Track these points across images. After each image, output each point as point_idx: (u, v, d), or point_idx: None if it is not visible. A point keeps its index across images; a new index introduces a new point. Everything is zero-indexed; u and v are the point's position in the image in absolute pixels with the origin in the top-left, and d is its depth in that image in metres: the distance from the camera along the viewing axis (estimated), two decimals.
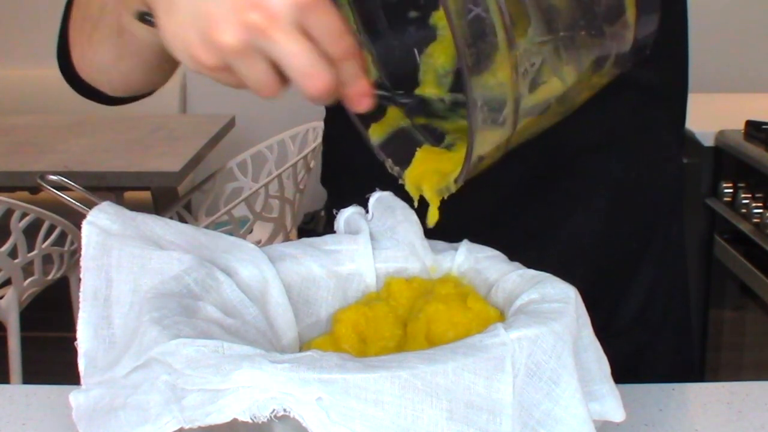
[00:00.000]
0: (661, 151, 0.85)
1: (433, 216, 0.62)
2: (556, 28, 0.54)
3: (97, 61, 0.75)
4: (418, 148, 0.64)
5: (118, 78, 0.76)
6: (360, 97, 0.55)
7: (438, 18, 0.65)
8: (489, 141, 0.53)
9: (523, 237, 0.80)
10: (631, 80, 0.78)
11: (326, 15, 0.51)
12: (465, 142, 0.58)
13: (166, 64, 0.74)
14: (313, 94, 0.52)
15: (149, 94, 0.82)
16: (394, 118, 0.65)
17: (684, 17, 0.85)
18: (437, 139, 0.65)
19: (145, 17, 0.59)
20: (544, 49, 0.53)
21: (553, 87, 0.56)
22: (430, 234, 0.65)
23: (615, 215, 0.82)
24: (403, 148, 0.64)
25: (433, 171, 0.61)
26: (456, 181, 0.57)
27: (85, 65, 0.77)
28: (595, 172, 0.81)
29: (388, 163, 0.63)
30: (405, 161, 0.63)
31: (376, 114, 0.65)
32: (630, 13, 0.58)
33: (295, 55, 0.50)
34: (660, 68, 0.82)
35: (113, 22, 0.67)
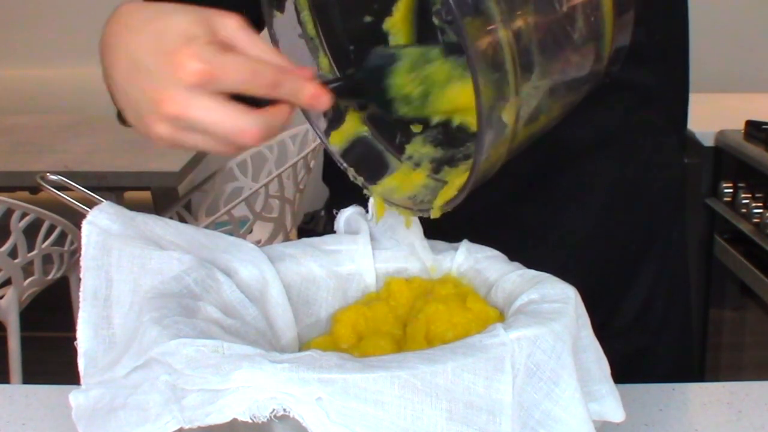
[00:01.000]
0: (659, 154, 0.85)
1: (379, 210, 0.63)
2: (551, 72, 0.56)
3: None
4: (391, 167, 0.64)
5: None
6: (314, 99, 0.56)
7: (391, 24, 0.66)
8: (483, 173, 0.55)
9: (521, 235, 0.80)
10: (626, 81, 0.78)
11: (230, 69, 0.53)
12: (428, 161, 0.61)
13: None
14: (250, 144, 0.55)
15: None
16: (353, 125, 0.66)
17: (684, 24, 0.85)
18: (396, 148, 0.66)
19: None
20: (540, 90, 0.55)
21: (538, 119, 0.57)
22: (430, 234, 0.65)
23: (611, 215, 0.82)
24: (364, 156, 0.65)
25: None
26: (443, 207, 0.58)
27: None
28: (591, 171, 0.81)
29: (351, 172, 0.64)
30: (368, 170, 0.63)
31: (334, 122, 0.65)
32: (606, 46, 0.60)
33: (214, 124, 0.53)
34: (657, 71, 0.82)
35: None
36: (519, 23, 0.52)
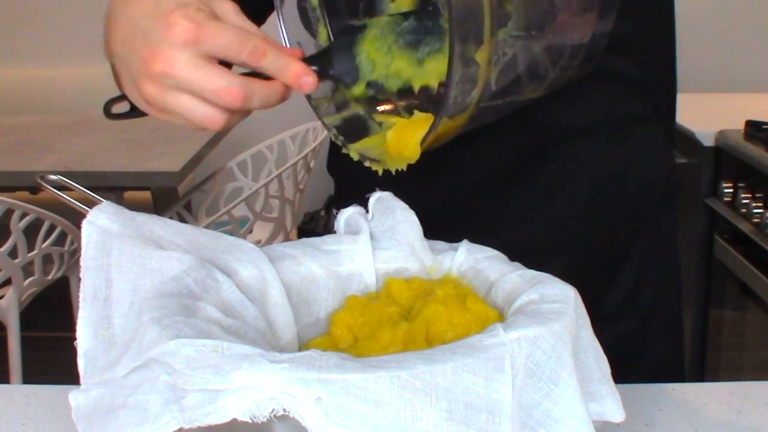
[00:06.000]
0: (645, 144, 0.86)
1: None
2: (530, 27, 0.58)
3: None
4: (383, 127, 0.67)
5: None
6: (299, 79, 0.59)
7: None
8: (452, 118, 0.56)
9: (508, 217, 0.81)
10: (609, 70, 0.79)
11: (218, 33, 0.56)
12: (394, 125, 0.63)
13: None
14: (235, 106, 0.57)
15: None
16: (355, 108, 0.68)
17: (670, 18, 0.86)
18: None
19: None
20: (517, 43, 0.57)
21: (513, 81, 0.59)
22: (429, 233, 0.65)
23: (598, 200, 0.83)
24: (351, 122, 0.68)
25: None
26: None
27: None
28: (577, 156, 0.82)
29: (333, 132, 0.66)
30: (351, 133, 0.67)
31: (341, 108, 0.68)
32: (588, 22, 0.61)
33: (199, 81, 0.56)
34: (642, 63, 0.83)
35: None
36: None
